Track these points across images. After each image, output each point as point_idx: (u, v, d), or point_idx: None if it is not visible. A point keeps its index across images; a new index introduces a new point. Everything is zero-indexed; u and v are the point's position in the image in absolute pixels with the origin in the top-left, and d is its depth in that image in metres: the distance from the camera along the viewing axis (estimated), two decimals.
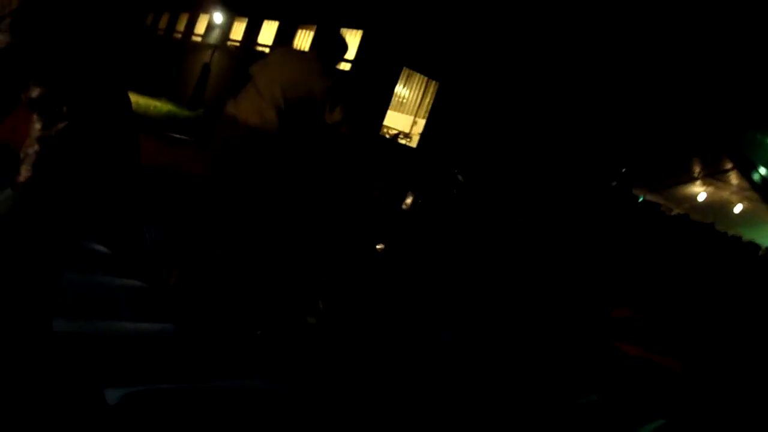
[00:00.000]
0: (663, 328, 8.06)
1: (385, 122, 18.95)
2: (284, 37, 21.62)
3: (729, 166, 24.33)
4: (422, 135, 19.65)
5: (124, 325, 3.80)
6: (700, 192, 25.93)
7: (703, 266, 11.76)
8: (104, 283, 4.20)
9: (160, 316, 4.08)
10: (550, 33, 19.01)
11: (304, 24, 20.98)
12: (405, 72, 19.17)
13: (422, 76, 19.74)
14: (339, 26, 18.78)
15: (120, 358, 3.38)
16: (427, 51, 18.46)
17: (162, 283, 4.48)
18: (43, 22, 2.29)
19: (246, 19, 24.88)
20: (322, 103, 4.65)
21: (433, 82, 19.94)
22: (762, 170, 22.98)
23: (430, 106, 19.99)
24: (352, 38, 18.30)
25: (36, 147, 2.44)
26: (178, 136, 12.97)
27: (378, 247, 6.47)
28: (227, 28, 26.06)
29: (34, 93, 2.38)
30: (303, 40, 20.93)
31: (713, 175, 25.09)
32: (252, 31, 24.19)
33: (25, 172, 2.43)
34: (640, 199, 19.79)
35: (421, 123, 20.11)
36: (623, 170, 20.82)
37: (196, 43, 28.23)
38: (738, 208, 25.25)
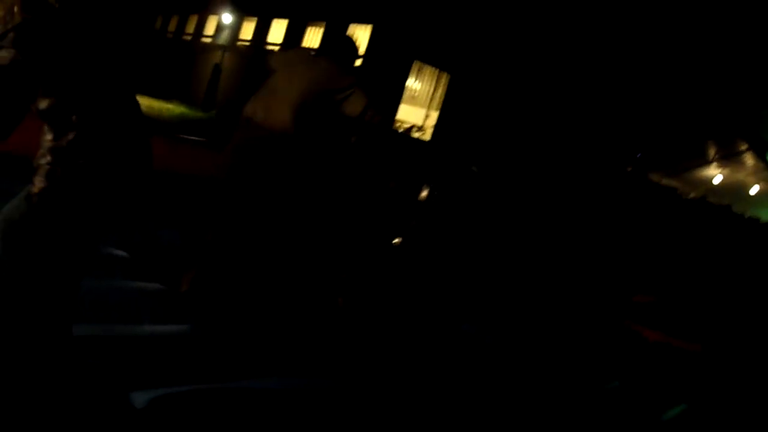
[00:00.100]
0: (683, 312, 8.03)
1: (398, 116, 18.94)
2: (294, 36, 21.65)
3: (744, 147, 24.19)
4: (435, 127, 19.63)
5: (145, 329, 3.81)
6: (716, 174, 25.76)
7: (721, 249, 11.70)
8: (123, 288, 4.21)
9: (180, 318, 4.08)
10: (561, 20, 18.94)
11: (314, 21, 21.00)
12: (416, 65, 19.16)
13: (433, 68, 19.73)
14: (348, 22, 18.78)
15: (143, 362, 3.39)
16: (437, 43, 18.44)
17: (176, 288, 4.49)
18: (47, 36, 2.29)
19: (255, 19, 24.91)
20: (341, 101, 4.62)
21: (445, 74, 19.91)
22: None
23: (442, 99, 19.96)
24: (363, 33, 18.31)
25: (48, 158, 2.44)
26: (191, 137, 13.01)
27: (395, 241, 6.47)
28: (236, 28, 26.09)
29: (43, 104, 2.38)
30: (312, 37, 20.94)
31: (728, 157, 24.94)
32: (261, 31, 24.22)
33: (38, 183, 2.44)
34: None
35: (434, 115, 20.09)
36: (638, 155, 20.73)
37: (206, 44, 28.28)
38: (754, 190, 25.06)
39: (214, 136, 13.82)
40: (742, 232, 13.85)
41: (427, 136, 19.71)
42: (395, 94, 18.25)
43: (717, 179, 25.61)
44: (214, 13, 27.67)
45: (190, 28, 30.83)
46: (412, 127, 19.55)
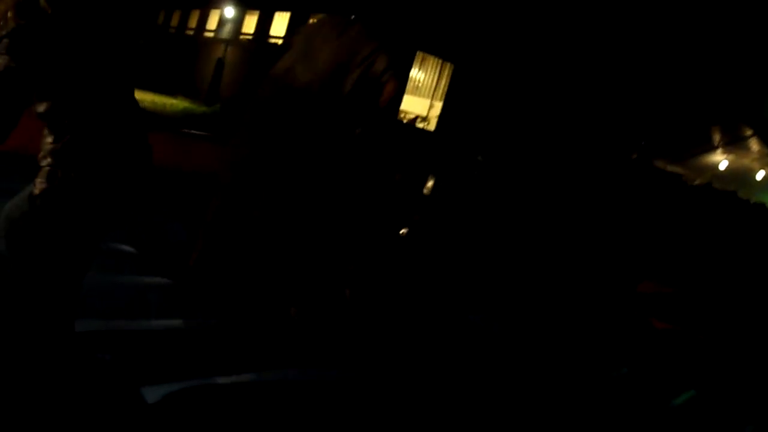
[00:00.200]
0: (689, 300, 8.03)
1: (402, 107, 18.91)
2: (296, 28, 21.61)
3: (749, 133, 24.17)
4: (440, 118, 19.60)
5: (155, 323, 3.82)
6: (721, 160, 25.75)
7: (727, 235, 11.68)
8: (132, 283, 4.23)
9: (189, 311, 4.09)
10: (565, 7, 18.88)
11: (316, 13, 20.96)
12: (419, 55, 19.13)
13: (436, 58, 19.69)
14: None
15: (153, 356, 3.39)
16: (439, 33, 18.40)
17: (183, 268, 4.51)
18: (41, 42, 2.30)
19: (257, 12, 24.88)
20: (366, 65, 4.63)
21: (448, 63, 19.88)
22: None
23: (446, 89, 19.93)
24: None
25: (49, 159, 2.45)
26: (196, 132, 13.01)
27: (402, 231, 6.47)
28: (239, 22, 26.06)
29: (41, 108, 2.40)
30: None
31: (733, 142, 24.91)
32: (264, 24, 24.19)
33: (40, 184, 2.45)
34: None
35: (438, 106, 20.06)
36: (643, 143, 20.70)
37: (208, 38, 28.26)
38: (760, 175, 25.07)
39: (218, 130, 13.81)
40: (748, 218, 13.84)
41: (431, 126, 19.68)
42: (399, 85, 18.23)
43: (722, 165, 25.60)
44: (217, 7, 27.64)
45: (193, 22, 30.80)
46: (416, 117, 19.52)
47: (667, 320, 6.94)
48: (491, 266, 7.15)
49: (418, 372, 4.20)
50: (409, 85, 19.30)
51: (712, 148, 25.60)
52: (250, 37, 24.99)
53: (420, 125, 19.49)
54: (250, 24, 25.45)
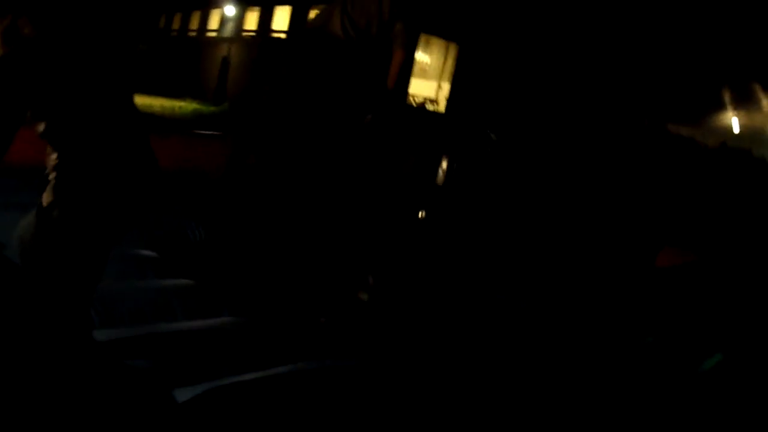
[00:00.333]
0: (713, 264, 7.98)
1: (410, 90, 18.87)
2: (298, 21, 21.59)
3: (760, 91, 24.04)
4: (449, 99, 19.56)
5: (182, 325, 3.82)
6: (734, 120, 25.62)
7: (743, 193, 11.61)
8: (155, 287, 4.23)
9: (213, 311, 4.10)
10: None
11: (317, 5, 20.92)
12: (423, 38, 19.07)
13: (441, 39, 19.64)
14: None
15: (182, 358, 3.40)
16: (442, 14, 18.33)
17: (205, 268, 4.52)
18: (28, 68, 2.30)
19: (258, 8, 24.88)
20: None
21: (453, 44, 19.82)
22: None
23: (452, 69, 19.87)
24: None
25: (54, 173, 2.47)
26: (207, 132, 13.03)
27: (420, 214, 6.45)
28: (240, 19, 26.08)
29: (39, 128, 2.42)
30: None
31: (745, 102, 24.80)
32: (265, 19, 24.21)
33: (46, 198, 2.47)
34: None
35: (447, 87, 20.02)
36: (655, 107, 20.58)
37: (211, 38, 28.29)
38: None
39: (228, 128, 13.84)
40: (764, 176, 13.76)
41: (441, 108, 19.64)
42: (405, 69, 18.19)
43: (735, 125, 25.49)
44: (217, 6, 27.65)
45: (195, 24, 30.82)
46: (425, 100, 19.48)
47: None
48: (513, 243, 7.12)
49: (448, 353, 4.19)
50: (416, 68, 19.26)
51: (723, 109, 25.49)
52: (253, 34, 24.99)
53: (430, 108, 19.44)
54: (251, 21, 25.46)
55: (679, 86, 21.53)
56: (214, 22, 28.60)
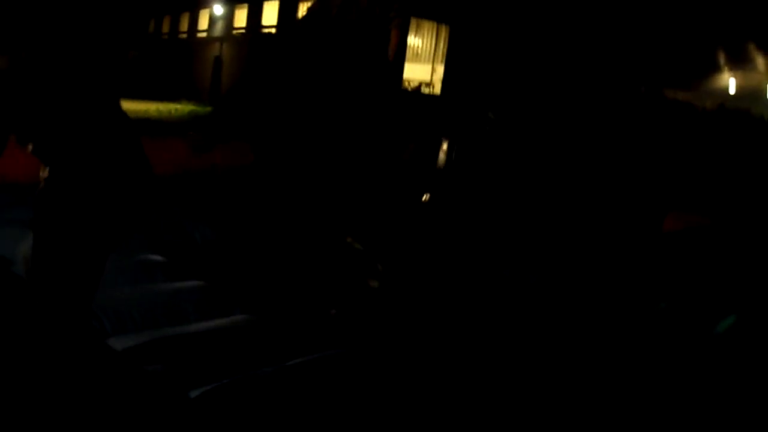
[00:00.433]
0: (724, 226, 7.98)
1: (405, 75, 18.84)
2: (287, 14, 21.54)
3: (754, 50, 24.03)
4: (444, 81, 19.53)
5: (195, 327, 3.82)
6: (730, 80, 25.62)
7: (744, 153, 11.61)
8: (166, 290, 4.23)
9: (226, 310, 4.10)
10: None
11: None
12: (413, 22, 19.02)
13: (431, 22, 19.60)
14: None
15: (197, 359, 3.40)
16: None
17: (215, 268, 4.53)
18: (13, 96, 2.32)
19: (246, 5, 24.84)
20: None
21: (444, 26, 19.77)
22: None
23: (445, 51, 19.84)
24: None
25: (46, 188, 2.49)
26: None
27: (424, 197, 6.45)
28: (230, 17, 26.05)
29: (28, 148, 2.43)
30: None
31: (740, 62, 24.80)
32: (255, 16, 24.17)
33: (38, 211, 2.49)
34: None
35: (440, 69, 19.99)
36: (650, 74, 20.52)
37: (202, 39, 28.27)
38: None
39: (221, 128, 13.82)
40: (764, 134, 13.76)
41: (437, 90, 19.62)
42: (398, 54, 18.15)
43: (731, 86, 25.49)
44: (205, 7, 27.61)
45: (184, 26, 30.79)
46: (420, 84, 19.46)
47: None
48: (519, 218, 7.12)
49: (461, 335, 4.20)
50: (409, 53, 19.21)
51: (719, 71, 25.48)
52: (243, 31, 24.97)
53: (425, 91, 19.43)
54: (241, 18, 25.43)
55: (673, 51, 21.47)
56: (203, 23, 28.57)
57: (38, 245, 2.50)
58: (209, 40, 27.16)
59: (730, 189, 9.85)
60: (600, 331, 4.55)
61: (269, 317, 4.05)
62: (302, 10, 20.56)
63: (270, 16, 23.11)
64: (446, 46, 19.84)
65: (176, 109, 19.45)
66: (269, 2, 23.18)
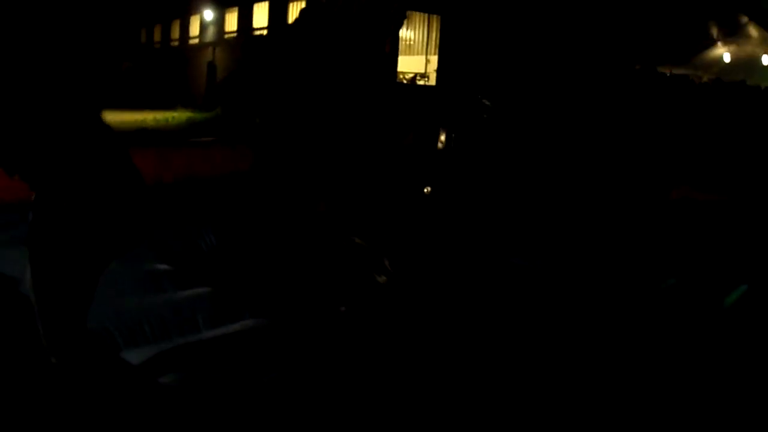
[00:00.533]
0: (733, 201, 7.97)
1: (399, 68, 18.84)
2: (278, 15, 21.53)
3: (745, 20, 24.09)
4: (438, 71, 19.52)
5: (205, 335, 3.82)
6: (724, 53, 25.69)
7: (744, 122, 11.59)
8: (175, 299, 4.23)
9: (235, 316, 4.10)
10: None
11: None
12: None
13: (422, 13, 19.59)
14: None
15: (210, 368, 3.40)
16: None
17: (221, 273, 4.54)
18: None
19: (236, 8, 24.83)
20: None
21: (435, 16, 19.75)
22: None
23: (437, 41, 19.83)
24: None
25: (35, 209, 2.50)
26: (204, 139, 13.03)
27: (426, 190, 6.45)
28: (221, 22, 26.04)
29: (14, 176, 2.44)
30: (297, 13, 20.77)
31: (732, 33, 24.86)
32: (245, 18, 24.16)
33: (31, 233, 2.50)
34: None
35: (434, 60, 19.98)
36: (644, 51, 20.50)
37: (194, 45, 28.25)
38: (766, 59, 24.95)
39: (224, 132, 13.84)
40: (762, 103, 13.75)
41: (432, 81, 19.60)
42: (391, 47, 18.14)
43: (726, 57, 25.55)
44: (195, 13, 27.60)
45: (176, 33, 30.77)
46: (415, 75, 19.47)
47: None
48: (522, 204, 7.12)
49: (470, 324, 4.20)
50: (402, 45, 19.21)
51: (712, 43, 25.53)
52: (235, 35, 24.95)
53: (420, 82, 19.42)
54: (231, 22, 25.42)
55: (666, 28, 21.46)
56: (195, 29, 28.55)
57: (33, 263, 2.50)
58: (201, 45, 27.15)
59: (737, 160, 9.83)
60: (610, 312, 4.55)
61: (278, 320, 4.06)
62: (292, 11, 20.59)
63: (260, 18, 23.10)
64: (438, 37, 19.83)
65: (173, 117, 19.45)
66: (259, 4, 23.17)
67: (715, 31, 24.85)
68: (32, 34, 2.53)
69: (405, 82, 18.90)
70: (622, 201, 7.64)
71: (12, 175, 2.45)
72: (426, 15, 19.72)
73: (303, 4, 20.02)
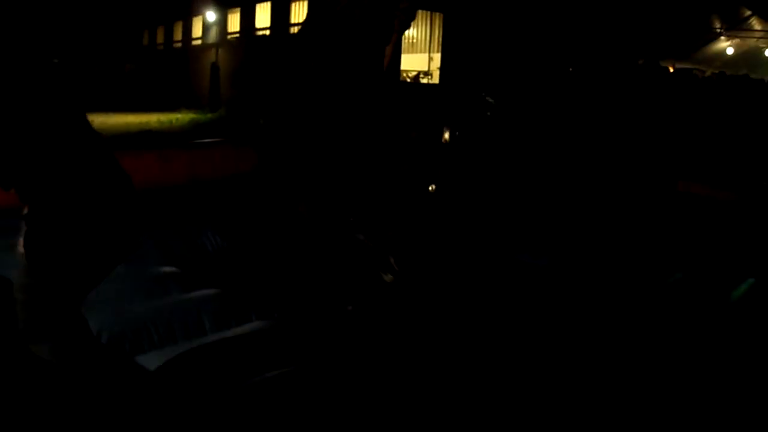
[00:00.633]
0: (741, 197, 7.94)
1: (402, 66, 18.85)
2: (280, 16, 21.54)
3: (748, 13, 24.08)
4: (441, 69, 19.51)
5: (212, 338, 3.82)
6: (727, 47, 25.73)
7: (748, 115, 11.58)
8: (181, 302, 4.22)
9: (242, 318, 4.10)
10: None
11: None
12: None
13: (424, 11, 19.57)
14: None
15: (218, 371, 3.40)
16: None
17: (228, 275, 4.53)
18: None
19: (239, 9, 24.84)
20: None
21: (437, 14, 19.75)
22: None
23: (441, 39, 19.82)
24: None
25: (25, 221, 2.51)
26: (208, 140, 13.05)
27: (430, 188, 6.46)
28: (223, 23, 26.06)
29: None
30: (299, 12, 20.82)
31: (735, 27, 24.87)
32: (248, 19, 24.16)
33: (20, 245, 2.50)
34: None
35: (437, 58, 19.98)
36: (647, 46, 20.48)
37: (197, 46, 28.27)
38: None
39: (229, 133, 13.84)
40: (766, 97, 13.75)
41: (435, 79, 19.60)
42: (396, 46, 18.16)
43: (729, 51, 25.57)
44: (198, 14, 27.62)
45: (178, 35, 30.81)
46: (418, 73, 19.47)
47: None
48: (527, 201, 7.12)
49: (478, 322, 4.20)
50: (404, 44, 19.21)
51: (715, 37, 25.55)
52: (237, 35, 24.97)
53: (424, 80, 19.42)
54: (234, 22, 25.43)
55: (669, 21, 21.45)
56: (197, 30, 28.57)
57: (31, 279, 2.50)
58: (204, 47, 27.17)
59: (742, 153, 9.81)
60: (617, 308, 4.55)
61: (285, 320, 4.06)
62: (294, 11, 20.59)
63: (263, 18, 23.11)
64: (441, 34, 19.82)
65: (177, 119, 19.48)
66: (261, 4, 23.17)
67: (717, 25, 24.85)
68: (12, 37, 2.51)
69: (408, 80, 18.90)
70: (627, 196, 7.63)
71: (8, 189, 2.44)
72: (429, 12, 19.71)
73: (305, 4, 20.08)
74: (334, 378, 3.32)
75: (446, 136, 7.05)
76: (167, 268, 4.70)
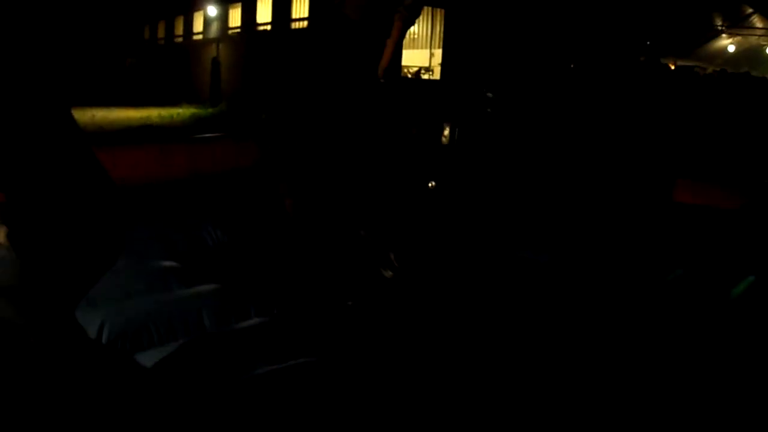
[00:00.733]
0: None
1: (404, 62, 18.83)
2: (281, 10, 21.52)
3: (749, 11, 24.10)
4: (442, 65, 19.50)
5: (212, 334, 3.82)
6: (729, 44, 25.74)
7: (748, 113, 11.59)
8: (182, 298, 4.22)
9: (242, 313, 4.10)
10: None
11: None
12: None
13: (426, 7, 19.56)
14: None
15: (218, 367, 3.40)
16: None
17: (228, 269, 4.53)
18: None
19: (240, 4, 24.83)
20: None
21: (439, 10, 19.73)
22: None
23: (442, 35, 19.81)
24: None
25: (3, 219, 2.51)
26: (209, 135, 13.05)
27: (430, 185, 6.46)
28: (224, 18, 26.04)
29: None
30: (300, 8, 20.81)
31: (736, 24, 24.88)
32: (249, 13, 24.14)
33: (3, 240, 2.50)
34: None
35: (438, 54, 19.97)
36: (648, 43, 20.46)
37: (198, 41, 28.26)
38: None
39: (230, 127, 13.83)
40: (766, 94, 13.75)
41: (436, 75, 19.59)
42: (397, 43, 18.13)
43: (731, 48, 25.58)
44: (199, 9, 27.61)
45: (179, 29, 30.80)
46: (419, 69, 19.45)
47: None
48: (527, 198, 7.12)
49: (479, 318, 4.20)
50: (406, 39, 19.18)
51: (717, 35, 25.56)
52: (239, 30, 24.96)
53: (425, 76, 19.41)
54: (235, 17, 25.41)
55: (670, 19, 21.44)
56: (198, 25, 28.57)
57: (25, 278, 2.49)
58: (205, 42, 27.16)
59: (744, 151, 9.81)
60: (617, 304, 4.55)
61: (285, 316, 4.05)
62: (295, 6, 20.58)
63: (264, 13, 23.09)
64: (443, 30, 19.80)
65: (178, 114, 19.47)
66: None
67: (719, 22, 24.85)
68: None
69: (409, 76, 18.89)
70: (629, 192, 7.63)
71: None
72: (430, 8, 19.70)
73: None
74: (334, 373, 3.32)
75: (447, 132, 7.05)
76: (167, 263, 4.69)
